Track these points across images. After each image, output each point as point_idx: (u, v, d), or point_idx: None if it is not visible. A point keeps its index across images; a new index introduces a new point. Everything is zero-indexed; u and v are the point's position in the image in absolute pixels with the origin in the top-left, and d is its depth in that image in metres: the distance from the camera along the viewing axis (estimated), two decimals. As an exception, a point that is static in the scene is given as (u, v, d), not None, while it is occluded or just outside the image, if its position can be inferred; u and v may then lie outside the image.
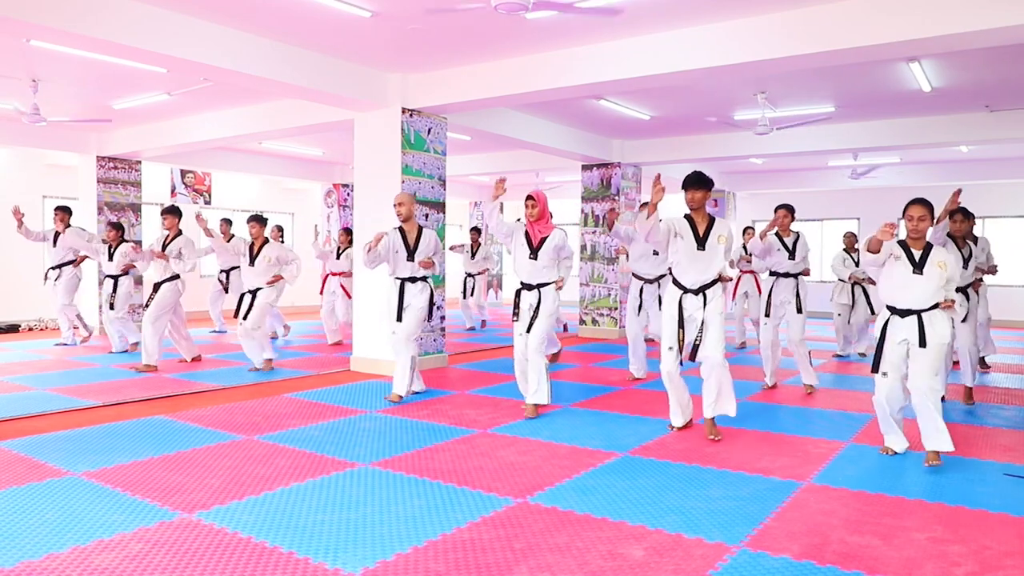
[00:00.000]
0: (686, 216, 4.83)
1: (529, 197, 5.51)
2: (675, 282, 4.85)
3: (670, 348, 4.82)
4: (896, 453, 4.43)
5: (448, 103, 7.40)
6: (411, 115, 7.53)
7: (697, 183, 4.73)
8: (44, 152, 11.50)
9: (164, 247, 7.54)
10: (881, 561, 2.91)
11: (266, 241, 7.39)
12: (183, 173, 13.94)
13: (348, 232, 9.89)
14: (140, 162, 11.50)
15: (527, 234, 5.55)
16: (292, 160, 13.68)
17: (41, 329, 11.03)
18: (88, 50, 5.79)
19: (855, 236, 9.13)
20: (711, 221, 4.83)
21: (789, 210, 6.45)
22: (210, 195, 14.50)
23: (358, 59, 7.00)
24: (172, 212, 7.64)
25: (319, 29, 6.12)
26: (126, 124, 10.22)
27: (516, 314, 5.53)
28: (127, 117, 9.69)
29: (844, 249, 8.99)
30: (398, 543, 3.06)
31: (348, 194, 14.77)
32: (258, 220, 7.34)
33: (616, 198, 11.20)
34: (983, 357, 7.56)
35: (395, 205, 5.93)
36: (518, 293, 5.57)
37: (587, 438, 4.80)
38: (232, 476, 3.98)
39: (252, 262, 7.32)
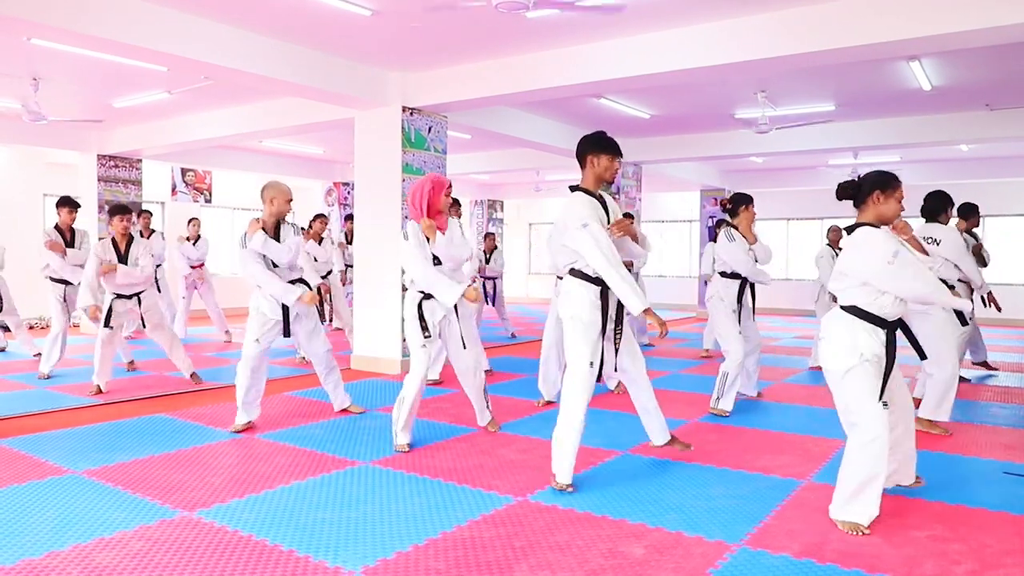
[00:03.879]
0: (598, 197, 3.83)
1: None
2: (586, 277, 3.79)
3: (592, 364, 3.74)
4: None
5: (448, 101, 7.40)
6: (411, 113, 7.54)
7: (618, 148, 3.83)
8: (44, 150, 11.52)
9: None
10: (881, 559, 2.91)
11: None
12: (183, 171, 13.96)
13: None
14: (141, 160, 11.51)
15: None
16: (292, 158, 13.69)
17: (43, 327, 11.03)
18: (88, 48, 5.79)
19: (840, 231, 8.19)
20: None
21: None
22: (210, 193, 14.51)
23: (358, 57, 7.00)
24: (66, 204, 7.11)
25: (319, 27, 6.12)
26: (127, 122, 10.22)
27: (427, 331, 4.51)
28: (128, 115, 9.69)
29: (828, 244, 8.16)
30: (398, 541, 3.07)
31: (348, 192, 14.77)
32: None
33: (616, 196, 11.19)
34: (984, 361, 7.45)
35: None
36: (420, 305, 4.55)
37: (587, 436, 4.76)
38: (233, 474, 3.98)
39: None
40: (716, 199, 15.34)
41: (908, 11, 5.13)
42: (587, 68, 6.57)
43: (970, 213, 6.63)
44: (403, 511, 3.42)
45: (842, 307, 3.28)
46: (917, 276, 3.15)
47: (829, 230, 8.33)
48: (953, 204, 5.54)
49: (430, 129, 7.78)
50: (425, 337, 4.50)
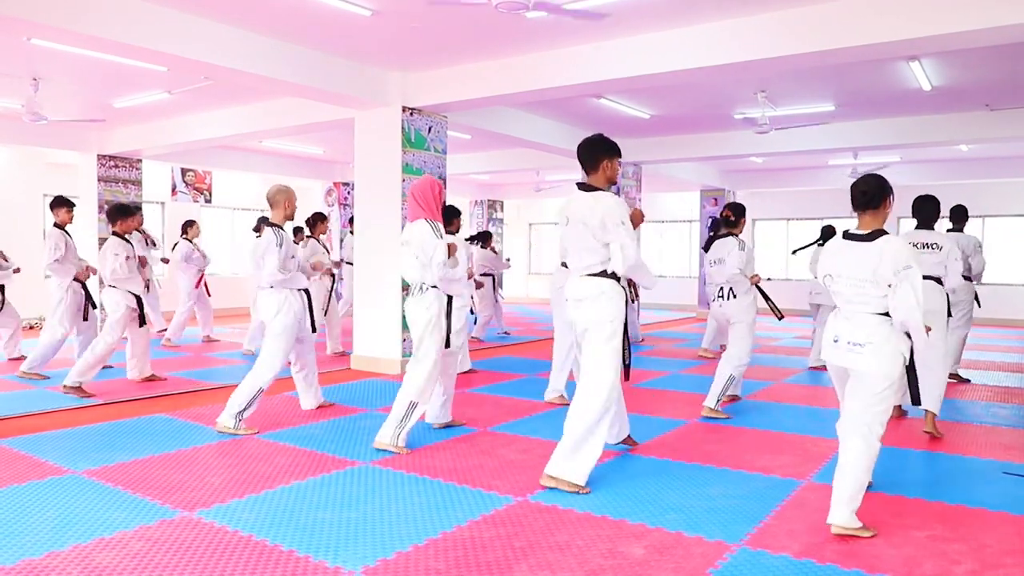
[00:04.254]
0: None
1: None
2: (618, 278, 3.82)
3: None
4: None
5: (448, 101, 7.40)
6: (411, 113, 7.54)
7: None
8: (45, 151, 11.51)
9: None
10: (881, 559, 2.91)
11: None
12: (183, 171, 13.95)
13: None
14: (141, 160, 11.50)
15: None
16: (292, 159, 13.69)
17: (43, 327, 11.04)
18: (89, 48, 5.79)
19: (834, 231, 7.80)
20: None
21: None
22: (210, 194, 14.51)
23: (358, 57, 7.00)
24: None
25: (319, 27, 6.12)
26: (127, 122, 10.22)
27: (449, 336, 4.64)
28: (128, 115, 9.68)
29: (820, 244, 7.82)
30: (398, 541, 3.07)
31: (348, 192, 14.78)
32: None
33: (616, 196, 11.16)
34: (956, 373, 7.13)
35: None
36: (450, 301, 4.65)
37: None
38: (233, 474, 3.98)
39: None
40: (716, 199, 15.35)
41: (908, 11, 5.13)
42: (587, 68, 6.57)
43: (961, 217, 6.68)
44: (403, 511, 3.42)
45: (880, 313, 3.16)
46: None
47: (828, 230, 8.07)
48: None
49: (430, 129, 7.78)
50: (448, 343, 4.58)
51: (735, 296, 5.59)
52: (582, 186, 3.90)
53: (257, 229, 8.74)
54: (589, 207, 3.74)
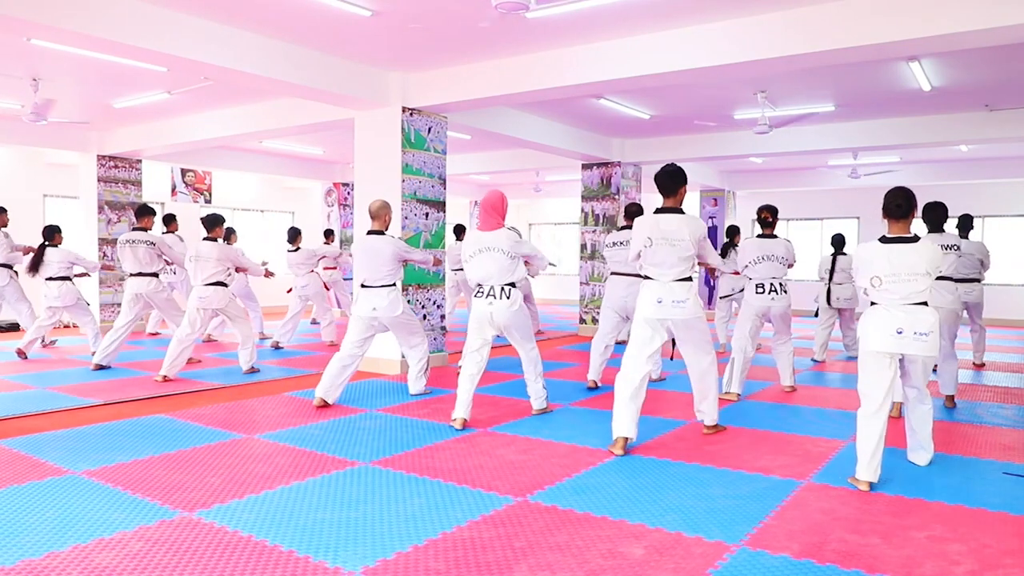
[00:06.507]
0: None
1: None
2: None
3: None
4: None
5: (448, 102, 7.40)
6: (411, 114, 7.54)
7: None
8: (45, 151, 11.51)
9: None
10: (880, 560, 2.91)
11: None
12: (183, 172, 13.96)
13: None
14: (140, 161, 11.50)
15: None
16: (292, 159, 13.69)
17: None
18: (88, 49, 5.79)
19: (844, 239, 8.67)
20: None
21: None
22: (210, 194, 14.51)
23: (358, 58, 7.00)
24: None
25: (319, 28, 6.12)
26: (127, 123, 10.22)
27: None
28: (127, 116, 9.69)
29: (842, 254, 8.48)
30: (398, 542, 3.07)
31: (348, 193, 14.78)
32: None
33: (616, 197, 11.19)
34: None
35: None
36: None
37: (587, 437, 4.80)
38: (232, 475, 3.98)
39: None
40: (716, 200, 15.34)
41: (908, 11, 5.13)
42: (587, 68, 6.57)
43: (966, 225, 7.28)
44: (403, 511, 3.42)
45: (926, 303, 3.80)
46: None
47: (839, 239, 8.68)
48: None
49: (430, 129, 7.78)
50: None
51: (786, 292, 6.32)
52: (662, 209, 4.62)
53: (292, 240, 9.62)
54: (680, 227, 4.51)
